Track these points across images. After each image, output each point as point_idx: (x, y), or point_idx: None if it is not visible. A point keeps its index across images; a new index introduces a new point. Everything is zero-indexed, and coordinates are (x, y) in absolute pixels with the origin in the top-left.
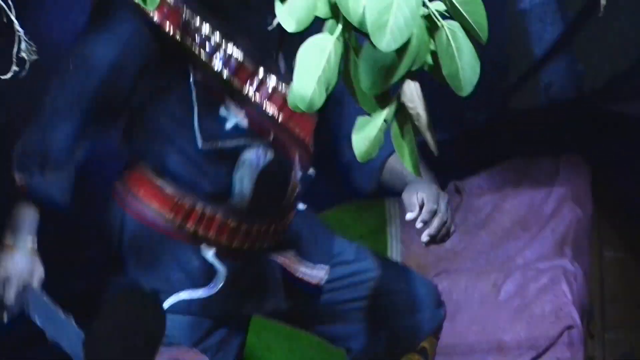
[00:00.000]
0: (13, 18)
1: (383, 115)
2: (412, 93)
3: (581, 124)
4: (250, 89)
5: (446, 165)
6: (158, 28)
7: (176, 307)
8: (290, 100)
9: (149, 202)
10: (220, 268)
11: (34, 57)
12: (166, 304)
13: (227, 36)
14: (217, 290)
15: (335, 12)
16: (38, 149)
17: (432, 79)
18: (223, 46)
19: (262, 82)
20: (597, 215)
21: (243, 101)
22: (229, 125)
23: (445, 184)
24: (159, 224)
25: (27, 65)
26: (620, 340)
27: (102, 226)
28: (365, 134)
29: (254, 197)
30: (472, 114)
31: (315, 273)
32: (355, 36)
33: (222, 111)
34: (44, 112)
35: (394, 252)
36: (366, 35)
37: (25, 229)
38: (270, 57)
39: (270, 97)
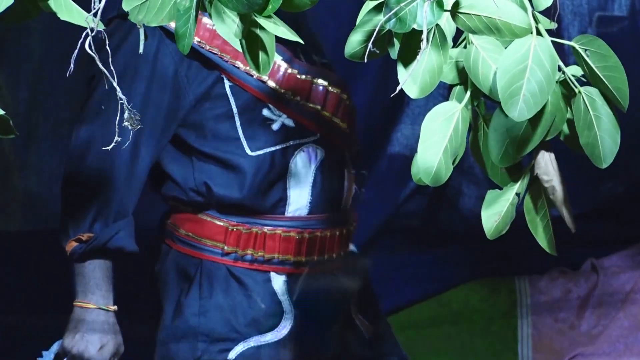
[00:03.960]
0: (115, 85)
1: (515, 188)
2: (547, 165)
3: None
4: (285, 88)
5: (581, 242)
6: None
7: (245, 356)
8: (414, 172)
9: (202, 239)
10: (288, 307)
11: (138, 126)
12: (233, 354)
13: None
14: (286, 333)
15: (464, 78)
16: (105, 202)
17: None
18: None
19: (298, 77)
20: None
21: (284, 99)
22: (275, 126)
23: (581, 262)
24: (220, 257)
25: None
26: None
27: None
28: (496, 209)
29: (311, 201)
30: (609, 186)
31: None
32: (484, 103)
33: (265, 112)
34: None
35: (524, 335)
36: (497, 103)
37: (105, 286)
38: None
39: (310, 94)
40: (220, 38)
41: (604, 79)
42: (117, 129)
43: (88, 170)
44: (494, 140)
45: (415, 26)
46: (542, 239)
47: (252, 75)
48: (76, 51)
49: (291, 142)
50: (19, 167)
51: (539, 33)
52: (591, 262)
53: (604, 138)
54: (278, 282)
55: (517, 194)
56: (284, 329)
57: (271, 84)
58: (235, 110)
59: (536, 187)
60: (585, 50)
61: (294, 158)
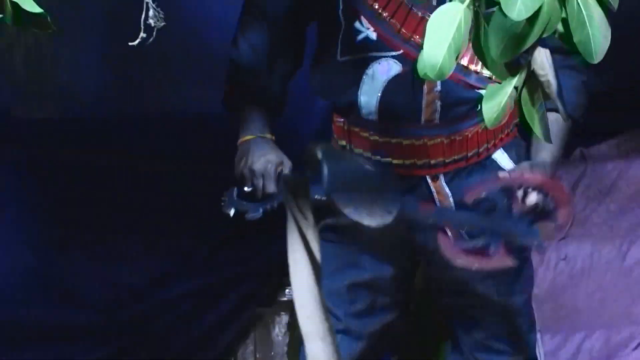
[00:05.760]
0: None
1: (513, 82)
2: (542, 60)
3: None
4: (378, 4)
5: (572, 132)
6: None
7: (323, 230)
8: (420, 67)
9: (336, 135)
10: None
11: (162, 23)
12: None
13: None
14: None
15: None
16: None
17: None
18: None
19: None
20: None
21: (372, 15)
22: (359, 37)
23: (571, 150)
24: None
25: (154, 32)
26: None
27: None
28: (495, 101)
29: (381, 108)
30: (597, 80)
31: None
32: (485, 3)
33: (357, 24)
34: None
35: None
36: (497, 3)
37: (260, 123)
38: None
39: (396, 12)
40: None
41: None
42: (142, 26)
43: None
44: (494, 37)
45: None
46: (538, 129)
47: None
48: None
49: (370, 54)
50: (53, 60)
51: None
52: (580, 150)
53: (596, 36)
54: None
55: (516, 88)
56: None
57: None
58: (342, 17)
59: (533, 81)
60: None
61: (370, 68)
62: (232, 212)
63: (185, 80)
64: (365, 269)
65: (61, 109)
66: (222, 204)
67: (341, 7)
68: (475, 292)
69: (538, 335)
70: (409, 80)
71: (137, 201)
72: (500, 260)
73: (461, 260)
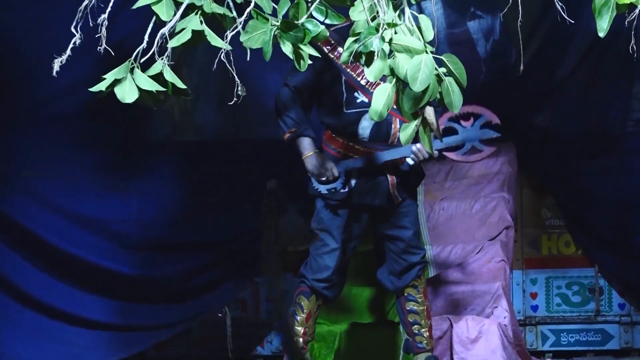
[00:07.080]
0: (234, 74)
1: (415, 122)
2: (430, 112)
3: (512, 126)
4: (368, 84)
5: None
6: (327, 57)
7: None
8: (370, 114)
9: (331, 144)
10: (351, 182)
11: (244, 94)
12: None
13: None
14: (347, 190)
15: (392, 72)
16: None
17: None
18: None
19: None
20: (520, 172)
21: (364, 89)
22: (357, 100)
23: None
24: (334, 153)
25: (240, 99)
26: (531, 233)
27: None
28: (407, 132)
29: (370, 134)
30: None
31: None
32: (402, 83)
33: (355, 94)
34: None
35: (420, 191)
36: (407, 83)
37: (312, 145)
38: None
39: (374, 85)
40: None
41: (455, 73)
42: (234, 94)
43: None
44: (405, 100)
45: (372, 48)
46: (427, 145)
47: (354, 76)
48: (217, 60)
49: (363, 109)
50: (191, 110)
51: (428, 52)
52: (446, 156)
53: (455, 99)
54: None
55: (416, 125)
56: (346, 189)
57: (363, 82)
58: (344, 89)
59: (424, 122)
60: (448, 60)
61: (364, 115)
62: (325, 190)
63: (256, 121)
64: (350, 215)
65: (197, 135)
66: (315, 188)
67: (344, 86)
68: (400, 223)
69: (428, 247)
70: (385, 121)
71: (220, 183)
72: (487, 151)
73: (469, 159)
